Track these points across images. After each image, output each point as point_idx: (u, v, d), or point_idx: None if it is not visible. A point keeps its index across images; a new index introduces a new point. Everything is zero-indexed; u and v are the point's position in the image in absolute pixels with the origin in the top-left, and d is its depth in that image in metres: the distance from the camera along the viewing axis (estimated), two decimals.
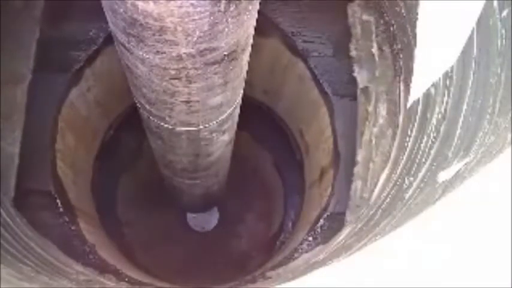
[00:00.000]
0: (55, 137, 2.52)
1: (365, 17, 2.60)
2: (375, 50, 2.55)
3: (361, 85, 2.55)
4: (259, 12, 1.21)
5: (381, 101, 2.48)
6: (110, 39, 2.54)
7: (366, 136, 2.46)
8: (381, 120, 2.45)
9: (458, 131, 1.65)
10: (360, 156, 2.44)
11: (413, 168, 1.92)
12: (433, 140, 1.83)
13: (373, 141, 2.43)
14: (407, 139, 2.13)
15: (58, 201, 2.39)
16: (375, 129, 2.45)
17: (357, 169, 2.42)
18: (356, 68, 2.59)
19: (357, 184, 2.40)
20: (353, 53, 2.61)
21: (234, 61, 1.28)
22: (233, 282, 2.68)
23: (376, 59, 2.54)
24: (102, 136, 3.22)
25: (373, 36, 2.56)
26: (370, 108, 2.49)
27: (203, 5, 0.96)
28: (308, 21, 2.74)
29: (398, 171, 2.10)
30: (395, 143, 2.29)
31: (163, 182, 2.95)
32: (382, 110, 2.46)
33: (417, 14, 2.00)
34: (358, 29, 2.62)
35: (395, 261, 0.96)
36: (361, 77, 2.56)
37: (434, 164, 1.72)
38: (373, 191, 2.33)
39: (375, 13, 2.58)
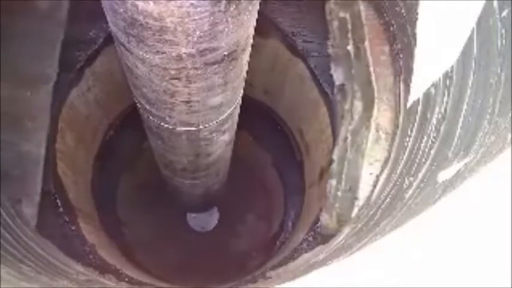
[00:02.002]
0: (55, 137, 2.52)
1: (341, 14, 2.60)
2: (350, 47, 2.54)
3: (337, 83, 2.55)
4: (259, 12, 1.21)
5: (356, 99, 2.47)
6: (110, 39, 2.54)
7: (342, 134, 2.47)
8: (356, 118, 2.45)
9: (458, 131, 1.65)
10: (335, 154, 2.45)
11: (413, 168, 1.92)
12: (433, 140, 1.83)
13: (349, 139, 2.43)
14: (407, 139, 2.13)
15: (58, 201, 2.38)
16: (350, 127, 2.45)
17: (333, 167, 2.43)
18: (333, 66, 2.59)
19: (332, 182, 2.41)
20: (330, 50, 2.61)
21: (234, 61, 1.28)
22: (233, 282, 2.68)
23: (352, 56, 2.54)
24: (102, 136, 3.22)
25: (349, 33, 2.56)
26: (347, 106, 2.49)
27: (203, 5, 0.96)
28: (308, 21, 2.74)
29: (398, 171, 2.10)
30: (395, 143, 2.29)
31: (163, 182, 2.95)
32: (358, 107, 2.46)
33: (417, 14, 2.00)
34: (335, 27, 2.62)
35: (396, 261, 0.96)
36: (337, 74, 2.56)
37: (434, 164, 1.72)
38: (348, 189, 2.33)
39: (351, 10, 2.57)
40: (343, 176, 2.40)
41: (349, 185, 2.36)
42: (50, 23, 2.52)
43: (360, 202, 2.27)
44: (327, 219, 2.36)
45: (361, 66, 2.50)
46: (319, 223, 2.38)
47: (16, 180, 2.22)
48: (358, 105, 2.46)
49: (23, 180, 2.23)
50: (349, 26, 2.57)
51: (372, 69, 2.43)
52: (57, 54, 2.49)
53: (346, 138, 2.44)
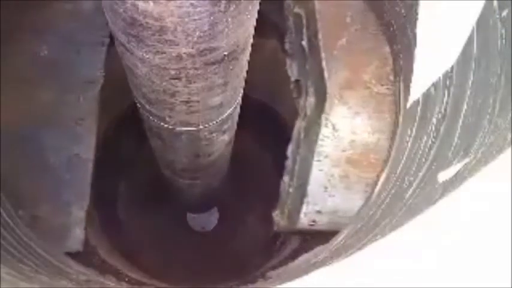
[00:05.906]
0: None
1: (296, 10, 2.58)
2: (305, 43, 2.51)
3: (292, 78, 2.54)
4: (259, 12, 1.21)
5: (309, 94, 2.46)
6: (110, 39, 2.54)
7: (295, 130, 2.46)
8: (309, 113, 2.43)
9: (458, 131, 1.64)
10: (289, 151, 2.44)
11: (413, 168, 1.91)
12: (433, 140, 1.83)
13: (302, 135, 2.42)
14: (407, 139, 2.13)
15: None
16: (303, 123, 2.43)
17: (287, 163, 2.42)
18: (288, 62, 2.57)
19: (285, 178, 2.40)
20: (287, 46, 2.59)
21: (234, 61, 1.28)
22: (233, 282, 2.68)
23: (307, 52, 2.51)
24: (101, 136, 3.22)
25: (304, 29, 2.53)
26: (301, 103, 2.48)
27: (203, 5, 0.96)
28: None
29: (398, 171, 2.10)
30: (395, 143, 2.29)
31: (163, 182, 2.95)
32: (312, 103, 2.44)
33: (417, 14, 2.00)
34: (291, 22, 2.61)
35: (395, 261, 0.96)
36: (292, 70, 2.55)
37: (434, 164, 1.72)
38: (299, 186, 2.32)
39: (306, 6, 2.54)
40: (295, 173, 2.39)
41: (300, 182, 2.34)
42: (95, 26, 2.52)
43: (308, 199, 2.25)
44: (278, 216, 2.36)
45: (315, 62, 2.46)
46: (273, 220, 2.38)
47: (67, 185, 2.23)
48: (312, 101, 2.44)
49: (73, 185, 2.24)
50: (304, 22, 2.54)
51: (324, 64, 2.37)
52: (103, 57, 2.49)
53: (299, 135, 2.43)
